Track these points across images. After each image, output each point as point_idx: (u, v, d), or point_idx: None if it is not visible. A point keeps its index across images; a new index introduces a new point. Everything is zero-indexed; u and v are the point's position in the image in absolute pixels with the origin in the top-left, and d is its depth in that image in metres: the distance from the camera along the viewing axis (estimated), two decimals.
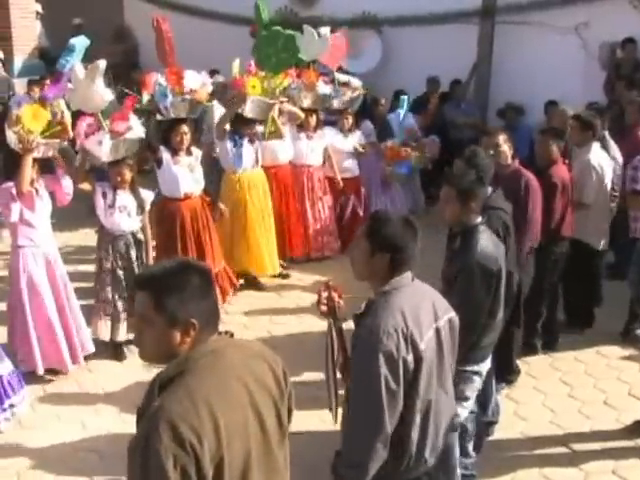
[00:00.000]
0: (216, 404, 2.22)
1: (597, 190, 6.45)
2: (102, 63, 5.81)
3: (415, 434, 2.97)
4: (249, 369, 2.39)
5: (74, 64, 5.67)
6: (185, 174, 6.76)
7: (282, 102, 7.92)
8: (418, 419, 2.96)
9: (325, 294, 3.29)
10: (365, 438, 2.85)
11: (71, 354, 5.87)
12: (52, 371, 5.89)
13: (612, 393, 5.71)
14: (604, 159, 6.61)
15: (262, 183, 7.77)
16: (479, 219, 4.15)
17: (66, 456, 4.92)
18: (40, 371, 5.76)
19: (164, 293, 2.25)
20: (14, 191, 5.48)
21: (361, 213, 9.08)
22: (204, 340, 2.31)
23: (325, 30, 8.60)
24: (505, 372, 5.57)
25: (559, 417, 5.40)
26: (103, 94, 5.94)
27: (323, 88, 8.49)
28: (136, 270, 6.20)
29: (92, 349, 6.13)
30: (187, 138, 6.75)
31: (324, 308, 3.27)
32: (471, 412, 4.17)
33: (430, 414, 2.99)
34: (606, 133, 7.09)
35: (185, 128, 6.73)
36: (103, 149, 5.94)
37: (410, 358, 2.86)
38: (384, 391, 2.82)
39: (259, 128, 7.61)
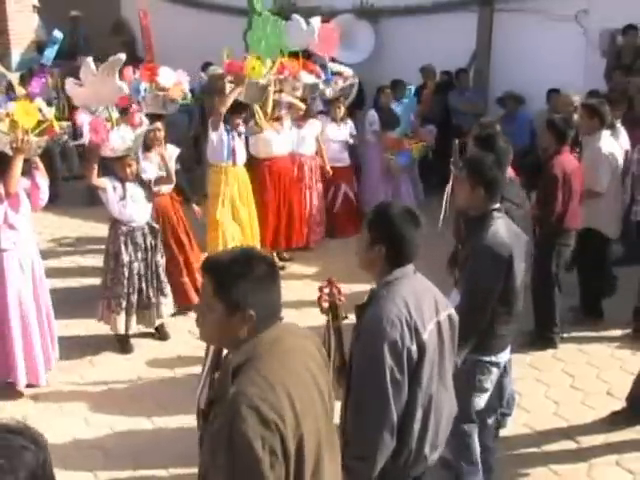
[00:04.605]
0: (288, 384, 2.25)
1: (609, 178, 6.39)
2: (122, 56, 5.76)
3: (417, 427, 2.95)
4: (306, 351, 2.43)
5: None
6: (155, 172, 6.55)
7: (280, 90, 7.85)
8: (420, 413, 2.94)
9: (327, 290, 3.29)
10: (372, 429, 2.84)
11: (32, 366, 5.57)
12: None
13: (615, 383, 5.69)
14: (615, 147, 6.55)
15: (245, 178, 7.66)
16: (495, 205, 3.96)
17: (69, 452, 4.90)
18: None
19: (225, 281, 2.25)
20: (2, 191, 5.25)
21: (354, 202, 9.26)
22: (266, 328, 2.32)
23: (316, 20, 8.58)
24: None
25: (562, 408, 5.38)
26: (120, 87, 5.88)
27: (306, 77, 8.39)
28: (152, 259, 6.19)
29: (57, 356, 5.87)
30: (160, 135, 6.65)
31: (325, 305, 3.28)
32: (492, 408, 4.09)
33: (431, 409, 2.98)
34: (618, 122, 7.00)
35: (158, 124, 6.64)
36: (127, 142, 5.93)
37: (414, 348, 2.86)
38: (389, 381, 2.82)
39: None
